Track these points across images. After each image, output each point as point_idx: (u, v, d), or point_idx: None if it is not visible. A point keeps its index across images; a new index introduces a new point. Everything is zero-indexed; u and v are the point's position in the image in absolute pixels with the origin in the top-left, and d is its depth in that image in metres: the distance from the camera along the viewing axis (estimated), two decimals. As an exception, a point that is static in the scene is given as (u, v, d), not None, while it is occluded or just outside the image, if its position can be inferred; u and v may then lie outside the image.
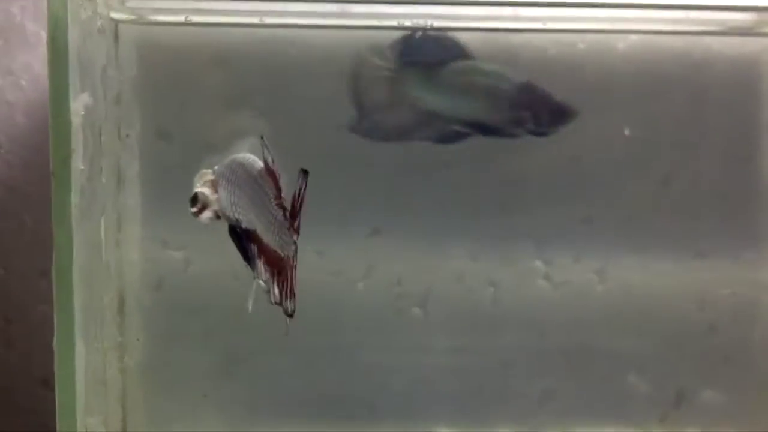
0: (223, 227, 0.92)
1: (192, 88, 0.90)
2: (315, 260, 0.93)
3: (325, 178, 0.92)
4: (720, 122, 0.93)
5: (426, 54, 0.83)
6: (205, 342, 0.95)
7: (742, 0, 0.89)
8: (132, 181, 0.91)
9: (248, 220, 0.79)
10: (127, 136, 0.89)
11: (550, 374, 0.96)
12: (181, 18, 0.88)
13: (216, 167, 0.81)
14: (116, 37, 0.88)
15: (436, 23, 0.88)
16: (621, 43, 0.91)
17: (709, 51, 0.92)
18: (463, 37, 0.91)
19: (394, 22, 0.82)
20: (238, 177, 0.79)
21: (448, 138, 0.88)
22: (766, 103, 0.93)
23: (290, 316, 0.76)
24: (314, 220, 0.93)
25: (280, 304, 0.77)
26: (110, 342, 0.90)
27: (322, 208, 0.93)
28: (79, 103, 0.78)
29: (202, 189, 0.81)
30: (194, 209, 0.81)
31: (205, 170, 0.82)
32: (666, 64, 0.91)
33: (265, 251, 0.78)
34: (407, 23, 0.82)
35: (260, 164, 0.77)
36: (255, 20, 0.87)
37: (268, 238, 0.78)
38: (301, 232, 0.93)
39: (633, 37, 0.91)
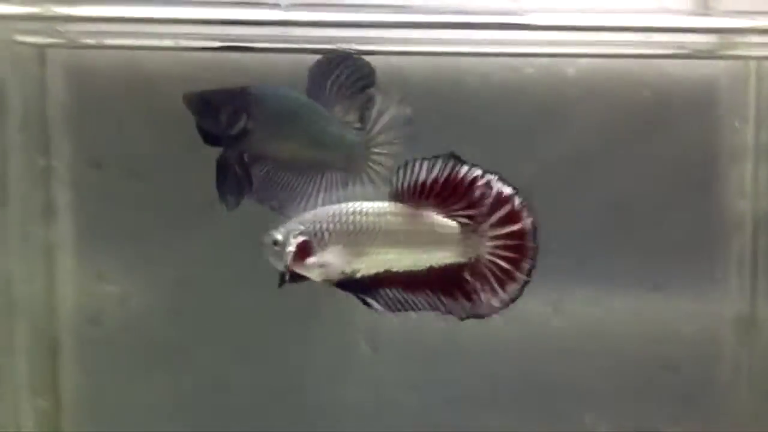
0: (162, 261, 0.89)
1: (124, 115, 0.87)
2: None
3: None
4: (677, 148, 0.89)
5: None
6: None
7: (701, 22, 0.85)
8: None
9: None
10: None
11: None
12: (113, 41, 0.84)
13: None
14: (43, 62, 0.85)
15: (381, 47, 0.84)
16: (570, 68, 0.88)
17: (665, 75, 0.88)
18: (403, 62, 0.87)
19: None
20: None
21: None
22: (725, 128, 0.89)
23: None
24: None
25: None
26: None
27: None
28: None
29: None
30: None
31: None
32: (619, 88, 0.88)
33: None
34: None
35: None
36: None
37: None
38: None
39: (582, 61, 0.88)
